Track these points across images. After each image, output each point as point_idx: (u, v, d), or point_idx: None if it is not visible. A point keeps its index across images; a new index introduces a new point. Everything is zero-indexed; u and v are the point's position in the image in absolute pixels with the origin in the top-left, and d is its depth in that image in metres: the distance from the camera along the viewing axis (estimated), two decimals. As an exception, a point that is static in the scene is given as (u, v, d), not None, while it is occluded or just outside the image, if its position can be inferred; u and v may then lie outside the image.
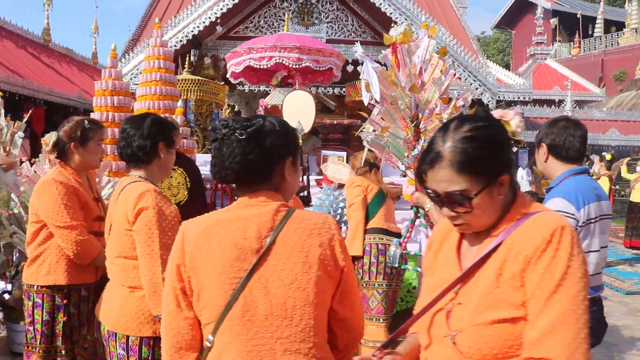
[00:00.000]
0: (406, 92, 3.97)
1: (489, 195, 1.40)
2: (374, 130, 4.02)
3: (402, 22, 8.97)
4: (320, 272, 1.56)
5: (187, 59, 8.34)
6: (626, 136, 18.69)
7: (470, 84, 9.17)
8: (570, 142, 2.86)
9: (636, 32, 35.89)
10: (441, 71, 3.99)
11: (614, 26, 40.07)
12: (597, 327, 2.79)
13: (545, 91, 21.91)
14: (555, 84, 22.18)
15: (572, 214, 2.68)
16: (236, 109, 14.28)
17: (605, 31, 38.84)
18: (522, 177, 17.68)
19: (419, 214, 3.92)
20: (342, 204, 5.59)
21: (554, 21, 40.36)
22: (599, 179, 9.67)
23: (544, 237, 1.32)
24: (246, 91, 11.96)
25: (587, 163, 18.34)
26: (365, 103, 4.10)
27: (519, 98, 17.72)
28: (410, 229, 4.00)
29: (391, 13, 8.91)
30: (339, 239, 1.63)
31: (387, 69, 4.12)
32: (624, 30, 37.13)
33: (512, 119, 1.09)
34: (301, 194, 6.25)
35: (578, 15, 39.62)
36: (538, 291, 1.30)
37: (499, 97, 17.86)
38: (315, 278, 1.54)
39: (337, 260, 1.61)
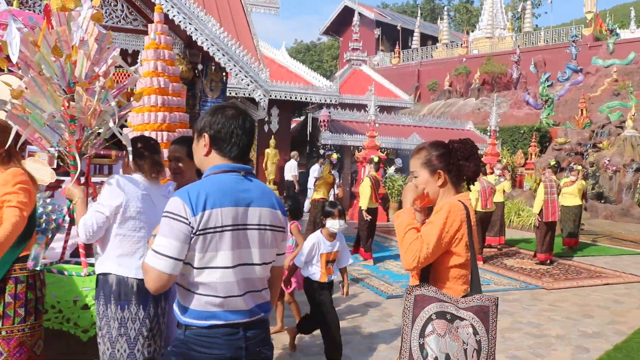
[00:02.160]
0: (51, 58, 3.29)
1: None
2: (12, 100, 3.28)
3: (172, 13, 8.26)
4: None
5: None
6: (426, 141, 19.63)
7: (242, 80, 8.68)
8: (237, 135, 2.32)
9: (447, 46, 38.73)
10: (96, 40, 3.36)
11: (430, 40, 42.97)
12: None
13: (357, 96, 22.48)
14: (369, 90, 22.87)
15: (185, 218, 2.12)
16: None
17: (422, 44, 41.49)
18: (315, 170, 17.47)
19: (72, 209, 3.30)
20: (50, 208, 4.74)
21: (377, 31, 42.30)
22: (362, 181, 9.88)
23: None
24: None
25: (392, 167, 19.12)
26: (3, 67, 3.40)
27: (325, 100, 17.90)
28: (62, 226, 3.35)
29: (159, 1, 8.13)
30: None
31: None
32: (437, 44, 39.97)
33: None
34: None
35: (398, 28, 41.89)
36: None
37: (307, 98, 17.93)
38: None
39: None
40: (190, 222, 2.13)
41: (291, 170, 16.74)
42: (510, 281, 8.73)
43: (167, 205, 2.19)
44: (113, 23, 8.94)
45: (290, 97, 17.49)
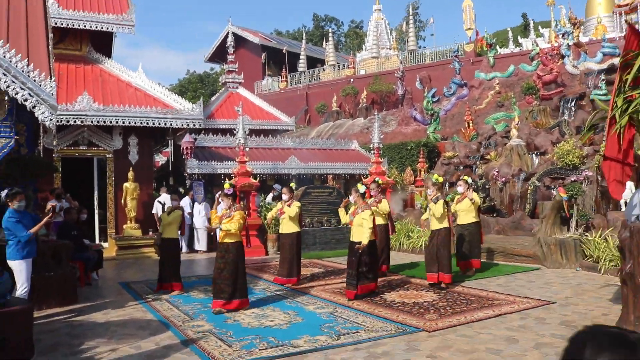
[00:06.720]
0: None
1: None
2: None
3: None
4: None
5: None
6: (305, 164, 18.07)
7: (17, 94, 6.58)
8: None
9: (334, 68, 37.93)
10: None
11: (319, 63, 42.07)
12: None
13: (233, 120, 20.54)
14: (247, 113, 21.10)
15: None
16: None
17: (311, 67, 40.50)
18: (200, 212, 15.75)
19: None
20: None
21: (264, 56, 40.88)
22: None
23: None
24: None
25: (273, 192, 17.25)
26: None
27: (188, 125, 15.87)
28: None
29: None
30: None
31: None
32: (325, 66, 39.09)
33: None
34: None
35: (284, 51, 40.66)
36: None
37: (167, 123, 15.75)
38: None
39: None
40: None
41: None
42: (385, 324, 7.02)
43: None
44: None
45: (147, 123, 15.32)
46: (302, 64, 39.81)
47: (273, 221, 14.76)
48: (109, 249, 15.13)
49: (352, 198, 9.16)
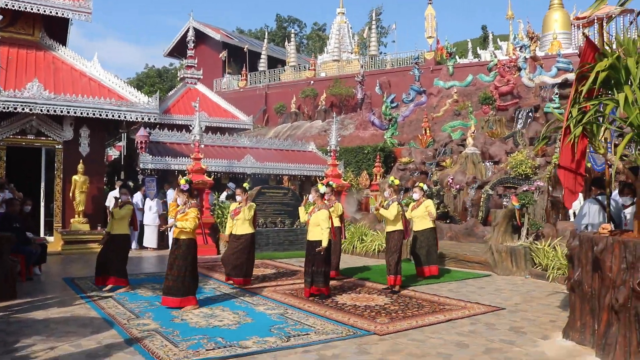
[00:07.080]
0: None
1: None
2: None
3: None
4: None
5: None
6: (261, 163, 17.91)
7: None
8: None
9: (295, 69, 37.83)
10: None
11: (280, 63, 41.92)
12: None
13: (190, 116, 20.18)
14: (205, 109, 20.74)
15: None
16: None
17: (271, 67, 40.29)
18: (151, 208, 15.37)
19: None
20: None
21: (224, 53, 40.42)
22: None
23: None
24: None
25: (227, 191, 16.99)
26: None
27: (143, 118, 15.47)
28: None
29: None
30: None
31: None
32: (285, 67, 38.96)
33: None
34: None
35: (245, 50, 40.33)
36: None
37: (121, 116, 15.29)
38: None
39: None
40: None
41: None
42: (336, 326, 6.92)
43: None
44: None
45: (101, 114, 14.86)
46: (262, 64, 39.59)
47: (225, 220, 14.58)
48: (55, 243, 14.60)
49: (311, 197, 9.13)
